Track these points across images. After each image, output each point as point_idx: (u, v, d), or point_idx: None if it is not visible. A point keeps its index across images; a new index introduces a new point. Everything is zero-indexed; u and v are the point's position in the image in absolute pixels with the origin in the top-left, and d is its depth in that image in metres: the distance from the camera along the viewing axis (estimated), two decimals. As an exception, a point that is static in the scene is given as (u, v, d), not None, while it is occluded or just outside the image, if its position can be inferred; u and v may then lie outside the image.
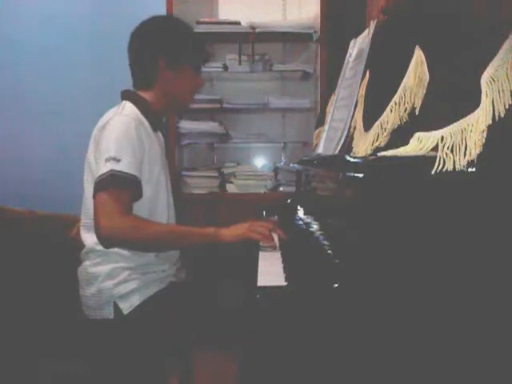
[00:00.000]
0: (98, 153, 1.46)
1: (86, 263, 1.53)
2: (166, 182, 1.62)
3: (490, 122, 0.78)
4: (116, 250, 1.49)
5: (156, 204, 1.55)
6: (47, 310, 1.93)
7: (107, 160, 1.41)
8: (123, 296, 1.47)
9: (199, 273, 1.74)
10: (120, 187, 1.41)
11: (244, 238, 1.49)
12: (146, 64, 1.59)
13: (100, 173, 1.41)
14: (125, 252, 1.49)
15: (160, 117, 1.66)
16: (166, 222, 1.58)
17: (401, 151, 0.98)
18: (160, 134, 1.66)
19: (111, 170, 1.40)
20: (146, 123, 1.56)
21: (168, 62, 1.58)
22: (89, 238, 1.52)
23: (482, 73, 0.81)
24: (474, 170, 0.80)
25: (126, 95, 1.61)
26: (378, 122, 1.19)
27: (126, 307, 1.46)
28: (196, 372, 1.72)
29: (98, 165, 1.45)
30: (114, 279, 1.48)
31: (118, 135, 1.44)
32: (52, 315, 1.91)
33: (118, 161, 1.41)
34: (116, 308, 1.46)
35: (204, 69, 2.76)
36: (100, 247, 1.48)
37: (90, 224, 1.49)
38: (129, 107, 1.55)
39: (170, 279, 1.57)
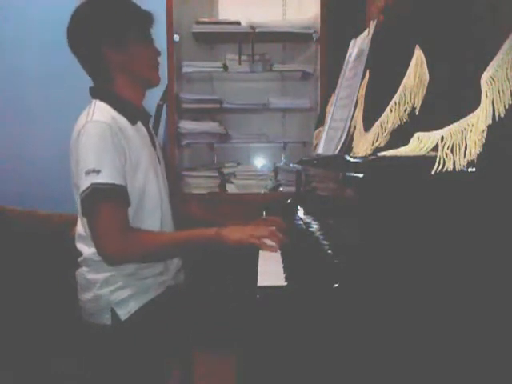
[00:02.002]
0: (78, 165, 1.40)
1: (84, 269, 1.52)
2: (157, 177, 1.55)
3: (490, 121, 0.78)
4: None
5: (144, 205, 1.50)
6: (46, 312, 1.93)
7: (87, 173, 1.36)
8: (120, 302, 1.45)
9: (198, 274, 1.74)
10: (106, 201, 1.37)
11: (246, 243, 1.44)
12: (93, 58, 1.50)
13: (82, 188, 1.37)
14: None
15: (136, 107, 1.56)
16: (159, 219, 1.54)
17: (401, 151, 0.98)
18: (141, 124, 1.56)
19: (92, 184, 1.35)
20: (122, 119, 1.48)
21: (112, 49, 1.48)
22: (85, 249, 1.50)
23: (482, 73, 0.81)
24: (473, 170, 0.80)
25: (94, 92, 1.53)
26: (378, 122, 1.19)
27: (123, 313, 1.45)
28: (196, 373, 1.72)
29: (79, 179, 1.39)
30: (111, 286, 1.46)
31: (94, 145, 1.38)
32: (51, 317, 1.90)
33: (98, 172, 1.35)
34: (114, 314, 1.45)
35: (204, 69, 2.80)
36: (96, 258, 1.46)
37: (84, 235, 1.48)
38: (100, 107, 1.47)
39: (168, 283, 1.55)
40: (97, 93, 1.53)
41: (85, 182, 1.36)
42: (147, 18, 1.55)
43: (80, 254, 1.53)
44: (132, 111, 1.53)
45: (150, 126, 1.65)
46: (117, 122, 1.45)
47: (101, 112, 1.45)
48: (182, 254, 1.62)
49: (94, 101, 1.51)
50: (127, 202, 1.42)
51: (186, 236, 1.49)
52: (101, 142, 1.38)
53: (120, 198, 1.40)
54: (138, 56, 1.52)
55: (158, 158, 1.61)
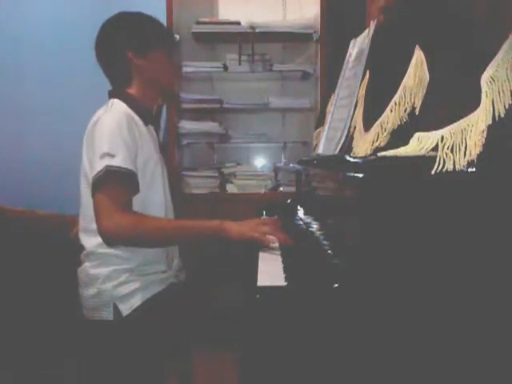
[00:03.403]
0: (91, 152, 1.45)
1: (86, 265, 1.53)
2: (163, 179, 1.60)
3: (490, 121, 0.78)
4: (116, 252, 1.48)
5: (149, 201, 1.53)
6: (47, 310, 1.93)
7: (102, 157, 1.41)
8: (123, 297, 1.47)
9: (199, 273, 1.74)
10: (117, 183, 1.41)
11: (248, 239, 1.44)
12: (116, 61, 1.58)
13: (96, 170, 1.41)
14: (124, 254, 1.49)
15: (149, 110, 1.65)
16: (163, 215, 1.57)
17: (401, 151, 0.98)
18: (152, 128, 1.64)
19: (106, 166, 1.40)
20: (137, 118, 1.55)
21: (135, 52, 1.57)
22: (88, 241, 1.52)
23: (482, 73, 0.81)
24: (474, 170, 0.80)
25: (112, 93, 1.61)
26: (377, 122, 1.19)
27: (125, 309, 1.46)
28: (196, 372, 1.72)
29: (92, 164, 1.44)
30: (113, 281, 1.48)
31: (110, 131, 1.44)
32: (52, 315, 1.91)
33: (113, 156, 1.40)
34: (115, 309, 1.46)
35: (204, 69, 2.80)
36: (100, 250, 1.48)
37: (89, 227, 1.49)
38: (117, 104, 1.54)
39: (170, 280, 1.57)
40: (115, 93, 1.60)
41: (99, 165, 1.40)
42: (169, 36, 1.72)
43: (83, 248, 1.54)
44: (145, 113, 1.60)
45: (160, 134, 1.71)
46: (132, 116, 1.53)
47: (118, 107, 1.53)
48: (183, 243, 1.64)
49: (111, 100, 1.57)
50: (136, 187, 1.46)
51: (188, 225, 1.51)
52: (117, 128, 1.44)
53: (130, 183, 1.44)
54: (158, 64, 1.61)
55: (164, 164, 1.66)
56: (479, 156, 0.79)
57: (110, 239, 1.43)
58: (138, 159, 1.49)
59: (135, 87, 1.60)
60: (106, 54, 1.61)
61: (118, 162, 1.41)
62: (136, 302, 1.47)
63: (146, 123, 1.59)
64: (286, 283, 1.10)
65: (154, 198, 1.55)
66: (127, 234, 1.41)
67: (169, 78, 1.68)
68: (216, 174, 2.83)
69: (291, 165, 2.33)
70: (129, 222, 1.41)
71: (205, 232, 1.48)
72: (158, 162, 1.59)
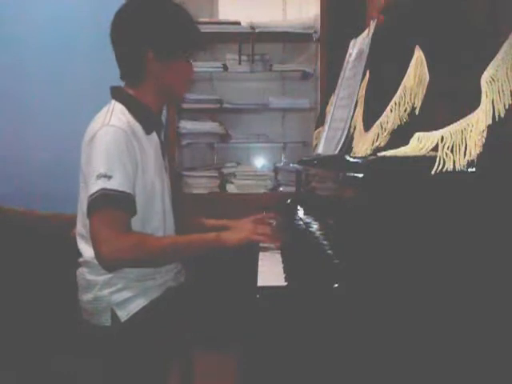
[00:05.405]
0: (89, 167, 1.39)
1: (84, 269, 1.50)
2: (162, 187, 1.54)
3: (490, 121, 0.78)
4: None
5: (149, 213, 1.49)
6: (47, 312, 1.93)
7: (98, 177, 1.34)
8: (120, 304, 1.44)
9: (199, 274, 1.73)
10: (113, 207, 1.35)
11: (247, 241, 1.45)
12: (134, 57, 1.48)
13: (91, 191, 1.35)
14: None
15: (154, 116, 1.55)
16: (162, 229, 1.53)
17: (401, 151, 0.98)
18: (155, 134, 1.55)
19: (102, 189, 1.34)
20: (138, 127, 1.47)
21: (157, 54, 1.47)
22: (86, 250, 1.48)
23: (482, 73, 0.81)
24: (474, 170, 0.80)
25: (115, 94, 1.52)
26: (378, 122, 1.19)
27: (123, 315, 1.44)
28: (196, 373, 1.72)
29: (88, 182, 1.38)
30: (111, 287, 1.45)
31: (108, 150, 1.37)
32: (51, 317, 1.90)
33: (110, 178, 1.34)
34: (113, 315, 1.44)
35: (204, 69, 2.80)
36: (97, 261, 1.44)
37: (87, 236, 1.45)
38: (118, 112, 1.45)
39: (168, 284, 1.55)
40: (118, 94, 1.52)
41: (94, 186, 1.35)
42: (198, 39, 1.59)
43: (81, 254, 1.52)
44: (149, 119, 1.52)
45: (162, 135, 1.64)
46: (132, 127, 1.45)
47: (118, 116, 1.44)
48: (182, 259, 1.61)
49: (112, 102, 1.49)
50: (133, 210, 1.40)
51: (185, 240, 1.48)
52: (114, 147, 1.37)
53: (126, 205, 1.38)
54: (176, 70, 1.53)
55: (166, 168, 1.61)
56: (479, 156, 0.79)
57: (109, 265, 1.40)
58: (137, 176, 1.43)
59: (146, 90, 1.51)
60: (123, 45, 1.49)
61: (114, 184, 1.34)
62: (134, 308, 1.45)
63: (148, 131, 1.51)
64: (286, 283, 1.10)
65: (152, 211, 1.50)
66: (126, 257, 1.37)
67: (184, 89, 1.60)
68: (216, 174, 2.83)
69: (291, 165, 2.34)
70: (127, 244, 1.36)
71: (204, 246, 1.47)
72: (158, 172, 1.52)
